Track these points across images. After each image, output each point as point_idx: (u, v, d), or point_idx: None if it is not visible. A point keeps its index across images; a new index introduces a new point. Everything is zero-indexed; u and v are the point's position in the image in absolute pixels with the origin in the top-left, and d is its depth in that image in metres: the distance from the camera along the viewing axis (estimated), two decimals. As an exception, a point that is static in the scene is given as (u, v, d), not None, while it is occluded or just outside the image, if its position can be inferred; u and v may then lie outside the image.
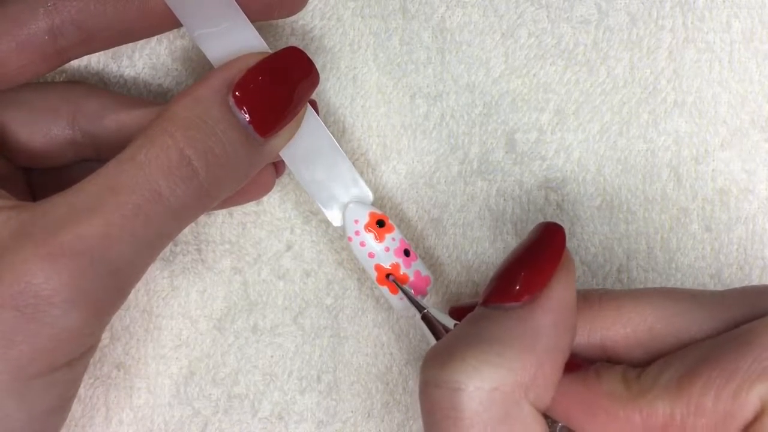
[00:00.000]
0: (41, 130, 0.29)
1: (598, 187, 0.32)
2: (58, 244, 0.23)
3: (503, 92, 0.32)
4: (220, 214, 0.32)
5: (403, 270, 0.30)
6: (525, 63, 0.32)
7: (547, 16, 0.32)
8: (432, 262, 0.33)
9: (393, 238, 0.30)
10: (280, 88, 0.26)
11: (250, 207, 0.33)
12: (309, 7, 0.32)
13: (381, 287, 0.30)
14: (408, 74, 0.32)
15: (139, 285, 0.33)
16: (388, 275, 0.30)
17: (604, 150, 0.32)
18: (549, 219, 0.32)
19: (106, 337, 0.33)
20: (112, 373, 0.33)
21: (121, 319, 0.33)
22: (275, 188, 0.32)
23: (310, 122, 0.28)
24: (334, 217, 0.30)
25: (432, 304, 0.33)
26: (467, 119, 0.32)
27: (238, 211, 0.32)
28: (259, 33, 0.27)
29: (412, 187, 0.32)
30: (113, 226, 0.24)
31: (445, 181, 0.32)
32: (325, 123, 0.32)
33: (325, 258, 0.33)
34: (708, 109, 0.32)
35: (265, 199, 0.33)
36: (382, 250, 0.29)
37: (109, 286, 0.25)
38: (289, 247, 0.33)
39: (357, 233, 0.29)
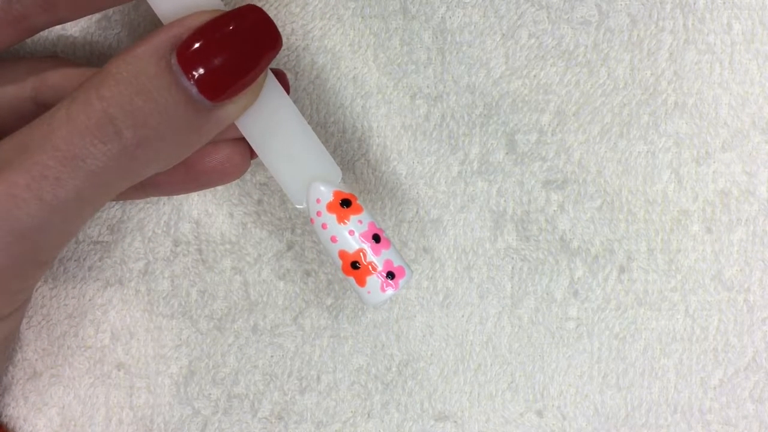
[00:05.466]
0: (8, 102, 0.27)
1: (598, 188, 0.32)
2: None
3: (504, 93, 0.32)
4: (221, 215, 0.33)
5: (370, 257, 0.26)
6: (525, 64, 0.32)
7: (548, 17, 0.32)
8: (432, 263, 0.33)
9: (360, 221, 0.26)
10: (234, 49, 0.24)
11: (250, 207, 0.33)
12: (309, 7, 0.32)
13: (347, 278, 0.27)
14: (408, 75, 0.32)
15: (140, 285, 0.33)
16: (354, 263, 0.26)
17: (605, 151, 0.32)
18: (550, 220, 0.32)
19: (105, 337, 0.33)
20: (112, 373, 0.33)
21: (121, 318, 0.33)
22: (276, 188, 0.32)
23: (271, 92, 0.26)
24: (297, 197, 0.27)
25: (428, 304, 0.33)
26: (468, 120, 0.32)
27: (239, 211, 0.32)
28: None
29: (413, 188, 0.32)
30: (18, 186, 0.22)
31: (445, 182, 0.32)
32: (325, 124, 0.32)
33: (326, 258, 0.33)
34: (709, 110, 0.32)
35: (265, 198, 0.33)
36: (345, 234, 0.26)
37: (16, 252, 0.23)
38: (289, 247, 0.33)
39: (319, 214, 0.26)
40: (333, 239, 0.26)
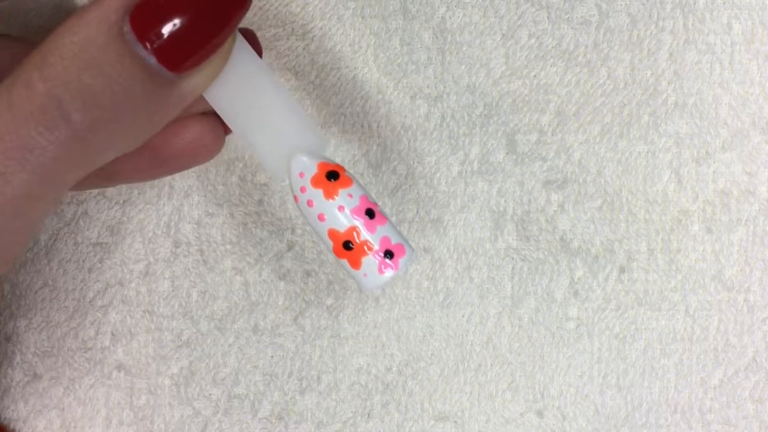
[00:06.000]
0: None
1: (598, 188, 0.32)
2: None
3: (504, 93, 0.32)
4: (221, 215, 0.33)
5: (364, 235, 0.23)
6: (525, 64, 0.32)
7: (548, 17, 0.32)
8: (432, 263, 0.33)
9: (350, 194, 0.23)
10: (197, 9, 0.20)
11: (251, 207, 0.33)
12: (309, 7, 0.32)
13: (340, 261, 0.23)
14: (408, 75, 0.32)
15: (140, 286, 0.33)
16: (346, 243, 0.23)
17: (605, 151, 0.32)
18: (550, 220, 0.32)
19: (106, 338, 0.33)
20: (113, 374, 0.33)
21: (122, 319, 0.33)
22: (276, 188, 0.32)
23: (241, 56, 0.23)
24: (278, 173, 0.23)
25: (428, 304, 0.33)
26: (468, 120, 0.32)
27: (239, 211, 0.32)
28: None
29: (413, 188, 0.32)
30: None
31: (445, 182, 0.32)
32: (325, 124, 0.32)
33: (326, 258, 0.33)
34: (709, 110, 0.32)
35: (266, 199, 0.32)
36: (334, 210, 0.23)
37: None
38: (290, 248, 0.33)
39: (303, 189, 0.23)
40: (321, 218, 0.23)
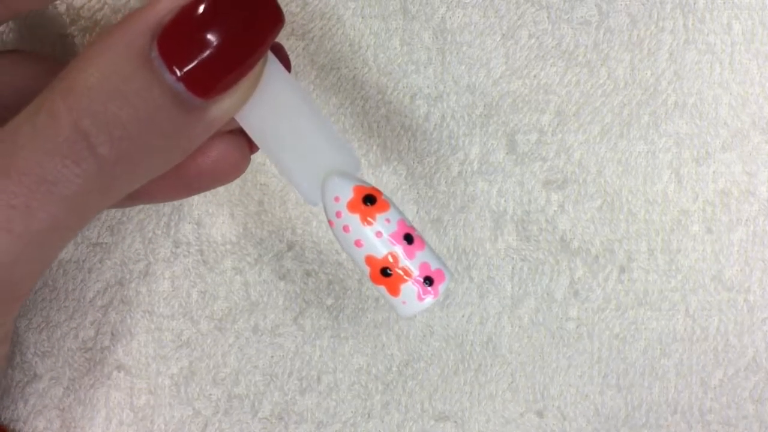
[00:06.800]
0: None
1: (598, 188, 0.32)
2: None
3: (504, 93, 0.32)
4: (222, 215, 0.32)
5: (403, 262, 0.22)
6: (526, 64, 0.32)
7: (548, 17, 0.32)
8: (432, 263, 0.33)
9: (387, 219, 0.22)
10: (228, 33, 0.19)
11: (251, 207, 0.33)
12: (309, 7, 0.32)
13: (377, 287, 0.23)
14: (408, 75, 0.32)
15: (140, 286, 0.33)
16: (384, 270, 0.22)
17: (605, 151, 0.32)
18: (550, 220, 0.32)
19: (106, 338, 0.33)
20: (113, 375, 0.33)
21: (122, 320, 0.33)
22: (276, 188, 0.32)
23: (272, 74, 0.22)
24: (311, 196, 0.22)
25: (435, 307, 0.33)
26: (468, 120, 0.32)
27: (240, 211, 0.32)
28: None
29: (413, 188, 0.32)
30: None
31: (445, 182, 0.32)
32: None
33: (326, 258, 0.33)
34: (709, 110, 0.32)
35: (265, 199, 0.32)
36: (372, 237, 0.22)
37: None
38: (290, 248, 0.33)
39: (339, 215, 0.22)
40: (357, 244, 0.22)
